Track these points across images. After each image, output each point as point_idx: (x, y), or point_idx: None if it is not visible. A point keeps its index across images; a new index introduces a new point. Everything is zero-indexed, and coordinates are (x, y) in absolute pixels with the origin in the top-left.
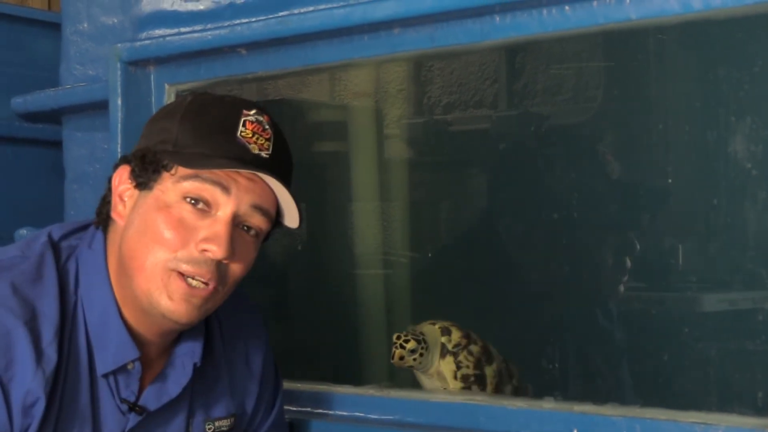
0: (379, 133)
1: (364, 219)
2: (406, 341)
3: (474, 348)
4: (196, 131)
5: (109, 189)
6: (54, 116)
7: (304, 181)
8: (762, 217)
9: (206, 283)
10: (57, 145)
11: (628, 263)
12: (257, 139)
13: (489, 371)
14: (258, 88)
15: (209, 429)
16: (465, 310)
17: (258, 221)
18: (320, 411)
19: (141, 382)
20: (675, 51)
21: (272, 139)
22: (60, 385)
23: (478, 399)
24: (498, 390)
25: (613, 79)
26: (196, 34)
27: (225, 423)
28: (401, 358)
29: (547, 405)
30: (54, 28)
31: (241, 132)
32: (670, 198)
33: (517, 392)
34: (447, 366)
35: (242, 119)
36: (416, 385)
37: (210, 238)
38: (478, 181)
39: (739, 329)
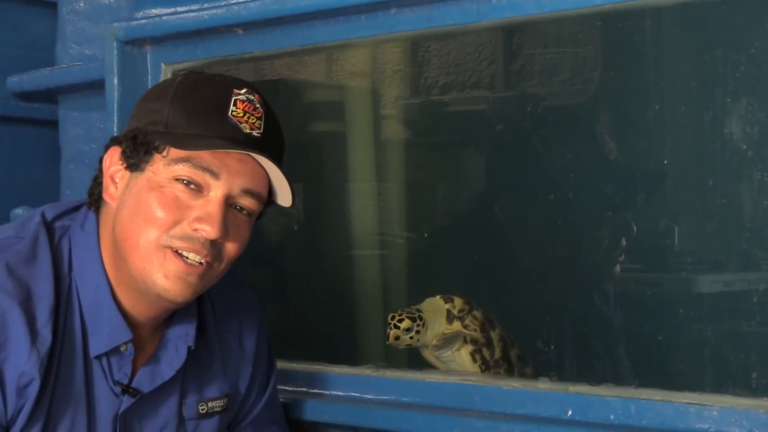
0: (375, 113)
1: (361, 199)
2: (400, 320)
3: (477, 313)
4: (188, 112)
5: (101, 170)
6: (50, 96)
7: (301, 161)
8: (758, 199)
9: (201, 262)
10: (53, 124)
11: (624, 244)
12: (248, 118)
13: (494, 336)
14: (255, 67)
15: (202, 410)
16: (461, 289)
17: (249, 203)
18: (316, 391)
19: (134, 364)
20: (672, 32)
21: (263, 118)
22: (54, 367)
23: (473, 380)
24: (506, 354)
25: (610, 61)
26: (192, 14)
27: (218, 403)
28: (396, 338)
29: (543, 386)
30: (50, 7)
31: (233, 111)
32: (666, 179)
33: (522, 360)
34: (456, 330)
35: (233, 98)
36: (413, 365)
37: (203, 218)
38: (475, 161)
39: (733, 310)
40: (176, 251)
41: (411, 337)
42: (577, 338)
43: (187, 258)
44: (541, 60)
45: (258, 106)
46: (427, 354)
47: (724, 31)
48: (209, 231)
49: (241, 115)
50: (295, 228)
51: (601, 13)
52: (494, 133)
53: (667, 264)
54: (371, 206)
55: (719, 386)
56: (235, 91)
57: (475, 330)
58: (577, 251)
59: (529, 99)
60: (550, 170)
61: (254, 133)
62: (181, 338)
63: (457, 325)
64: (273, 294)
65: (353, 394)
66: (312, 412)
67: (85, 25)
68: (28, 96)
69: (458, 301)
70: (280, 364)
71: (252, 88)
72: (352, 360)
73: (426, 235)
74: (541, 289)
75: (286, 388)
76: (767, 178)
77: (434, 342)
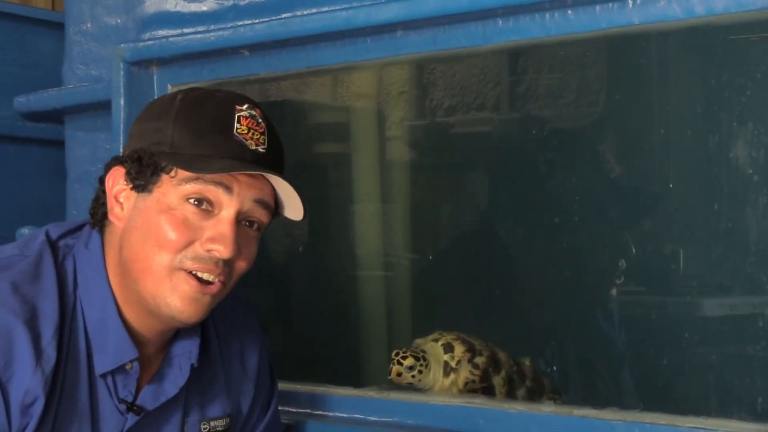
0: (381, 135)
1: (366, 221)
2: (404, 357)
3: (479, 360)
4: (192, 132)
5: (102, 190)
6: (56, 116)
7: (306, 182)
8: (762, 223)
9: (215, 281)
10: (59, 144)
11: (629, 267)
12: (253, 134)
13: (497, 380)
14: (261, 89)
15: (204, 429)
16: (466, 313)
17: (260, 215)
18: (319, 412)
19: (138, 382)
20: (677, 56)
21: (266, 133)
22: (59, 385)
23: (478, 402)
24: (510, 395)
25: (615, 84)
26: (199, 35)
27: (221, 423)
28: (399, 374)
29: (547, 408)
30: (57, 27)
31: (237, 129)
32: (670, 203)
33: (532, 392)
34: (452, 383)
35: (236, 115)
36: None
37: (216, 239)
38: (480, 183)
39: (739, 334)
40: (189, 272)
41: (413, 376)
42: (581, 361)
43: (202, 278)
44: (547, 82)
45: (260, 121)
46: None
47: (729, 55)
48: (222, 251)
49: (246, 132)
50: (300, 249)
51: (606, 36)
52: (499, 155)
53: (672, 287)
54: (376, 227)
55: (724, 411)
56: (237, 107)
57: (474, 381)
58: (581, 273)
59: (534, 121)
60: (554, 192)
61: (260, 149)
62: (185, 356)
63: (453, 378)
64: (276, 314)
65: (357, 415)
66: None
67: (92, 46)
68: (34, 116)
69: (458, 350)
70: (282, 385)
71: (252, 103)
72: (356, 382)
73: (430, 256)
74: (545, 311)
75: (289, 409)
76: None
77: (435, 388)
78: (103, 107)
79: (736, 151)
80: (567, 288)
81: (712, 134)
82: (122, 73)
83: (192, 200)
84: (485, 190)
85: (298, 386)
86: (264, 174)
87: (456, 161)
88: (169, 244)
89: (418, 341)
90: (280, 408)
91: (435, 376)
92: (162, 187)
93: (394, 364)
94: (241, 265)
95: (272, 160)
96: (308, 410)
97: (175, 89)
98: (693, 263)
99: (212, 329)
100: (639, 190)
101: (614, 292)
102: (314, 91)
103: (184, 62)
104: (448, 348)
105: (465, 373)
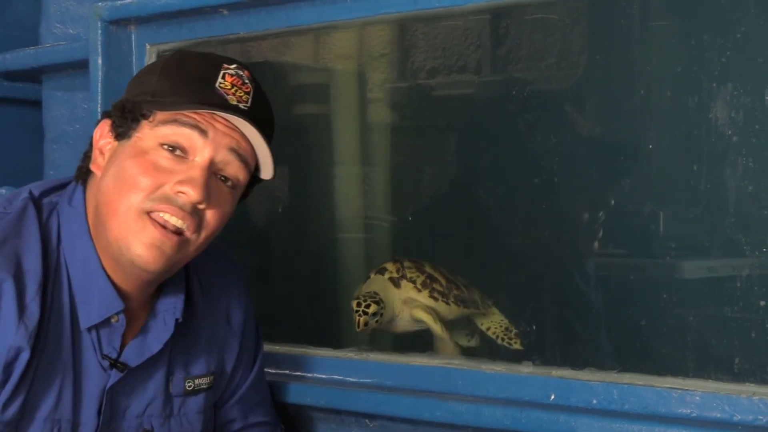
0: (361, 96)
1: (346, 182)
2: (367, 306)
3: (407, 263)
4: (175, 81)
5: (91, 144)
6: (34, 75)
7: (286, 144)
8: (742, 185)
9: (179, 232)
10: (37, 104)
11: (608, 229)
12: (236, 91)
13: (429, 269)
14: (240, 49)
15: (189, 387)
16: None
17: (235, 169)
18: (299, 373)
19: (122, 339)
20: (658, 16)
21: (252, 94)
22: (42, 341)
23: (456, 363)
24: (449, 280)
25: (597, 45)
26: None
27: (205, 380)
28: (366, 324)
29: (526, 369)
30: None
31: (220, 83)
32: (650, 164)
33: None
34: (407, 286)
35: (222, 72)
36: (396, 349)
37: (186, 181)
38: (461, 145)
39: (717, 296)
40: (154, 219)
41: (377, 321)
42: (561, 322)
43: (166, 223)
44: (528, 44)
45: (247, 81)
46: (395, 327)
47: (709, 16)
48: (192, 194)
49: (229, 87)
50: (280, 210)
51: None
52: (480, 117)
53: (652, 249)
54: (356, 189)
55: (702, 371)
56: (225, 65)
57: (419, 276)
58: (561, 234)
59: (515, 83)
60: (534, 153)
61: (241, 105)
62: (169, 311)
63: (406, 285)
64: (257, 276)
65: (336, 377)
66: (294, 394)
67: (70, 5)
68: (11, 75)
69: (390, 266)
70: (265, 347)
71: (242, 65)
72: (336, 343)
73: (411, 218)
74: (526, 272)
75: (271, 370)
76: (751, 163)
77: (402, 314)
78: (81, 66)
79: (716, 112)
80: (547, 248)
81: (692, 95)
82: (100, 32)
83: (166, 146)
84: (466, 151)
85: (278, 347)
86: (240, 128)
87: (437, 123)
88: (139, 186)
89: (360, 289)
90: None
91: (391, 303)
92: (140, 132)
93: (360, 315)
94: (212, 218)
95: (253, 117)
96: (288, 371)
97: (154, 48)
98: (672, 225)
99: (197, 286)
100: (619, 151)
101: (594, 253)
102: (294, 51)
103: (163, 21)
104: (383, 269)
105: (409, 274)
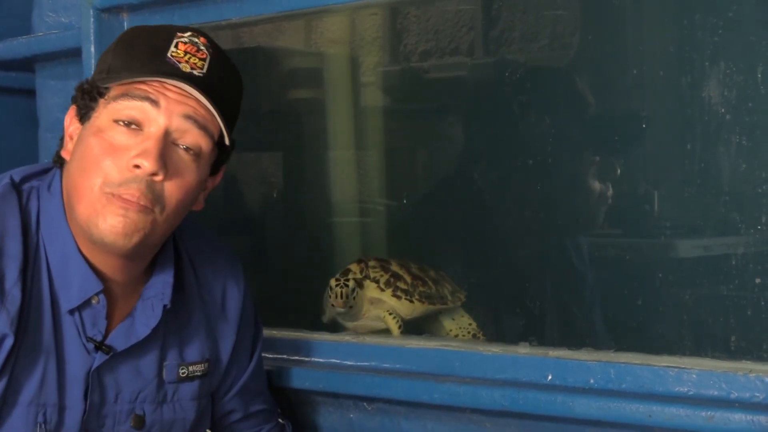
0: (354, 80)
1: (340, 167)
2: (347, 281)
3: (372, 263)
4: (127, 55)
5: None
6: (27, 64)
7: (280, 129)
8: (736, 163)
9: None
10: (30, 93)
11: (604, 208)
12: (189, 58)
13: (395, 267)
14: (233, 35)
15: (183, 373)
16: (441, 257)
17: (194, 137)
18: (296, 358)
19: (110, 323)
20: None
21: (209, 60)
22: (23, 325)
23: (453, 345)
24: (416, 276)
25: (589, 26)
26: None
27: (199, 368)
28: (346, 297)
29: (522, 350)
30: None
31: (172, 52)
32: (644, 144)
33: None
34: (370, 286)
35: (175, 41)
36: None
37: (140, 153)
38: (455, 128)
39: (712, 274)
40: (119, 197)
41: (354, 298)
42: (557, 303)
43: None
44: (521, 25)
45: (202, 48)
46: (363, 326)
47: None
48: (146, 165)
49: (182, 55)
50: (274, 195)
51: None
52: (474, 99)
53: (647, 228)
54: (351, 174)
55: (698, 349)
56: (178, 34)
57: (383, 275)
58: (557, 215)
59: (508, 64)
60: (529, 136)
61: (195, 72)
62: (158, 297)
63: (369, 285)
64: (251, 261)
65: (333, 360)
66: (292, 379)
67: None
68: (4, 64)
69: (354, 267)
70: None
71: (199, 32)
72: (332, 327)
73: (406, 202)
74: (522, 254)
75: (268, 355)
76: (745, 141)
77: (369, 314)
78: (74, 55)
79: (710, 92)
80: (542, 230)
81: (685, 75)
82: (92, 20)
83: (121, 122)
84: (459, 134)
85: (275, 332)
86: (193, 94)
87: (430, 106)
88: (97, 166)
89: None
90: None
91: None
92: (97, 111)
93: (341, 287)
94: (172, 189)
95: (207, 86)
96: (284, 356)
97: None
98: (667, 204)
99: (190, 273)
100: (613, 131)
101: (590, 233)
102: (287, 36)
103: (155, 8)
104: (347, 271)
105: (373, 274)
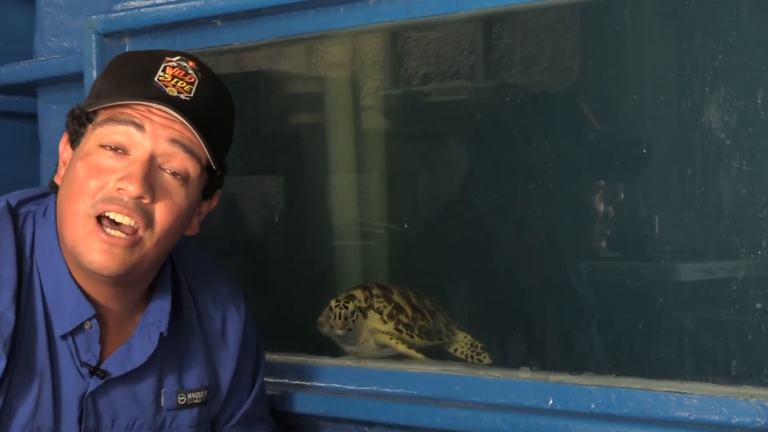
0: (355, 104)
1: (341, 190)
2: (347, 301)
3: (376, 291)
4: (115, 80)
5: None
6: (29, 88)
7: (281, 153)
8: (736, 188)
9: (131, 225)
10: (32, 117)
11: (605, 233)
12: (176, 82)
13: (396, 297)
14: (234, 59)
15: (181, 401)
16: (442, 280)
17: (181, 161)
18: (297, 383)
19: (106, 347)
20: (651, 21)
21: (196, 84)
22: (17, 347)
23: (454, 369)
24: (415, 308)
25: (590, 50)
26: (171, 6)
27: (198, 395)
28: (345, 319)
29: (524, 375)
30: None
31: (160, 76)
32: (645, 168)
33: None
34: (373, 317)
35: (163, 65)
36: (395, 356)
37: (124, 177)
38: (456, 151)
39: (713, 298)
40: (102, 221)
41: (354, 321)
42: (558, 327)
43: (114, 227)
44: (521, 49)
45: (191, 72)
46: (360, 353)
47: (702, 20)
48: (130, 189)
49: (169, 79)
50: (276, 219)
51: (580, 2)
52: (474, 123)
53: (648, 252)
54: (351, 197)
55: (699, 374)
56: (167, 58)
57: (386, 306)
58: (557, 240)
59: (509, 88)
60: (529, 160)
61: (182, 96)
62: (155, 324)
63: (373, 316)
64: (252, 284)
65: (335, 385)
66: (293, 404)
67: (64, 18)
68: (6, 89)
69: (359, 294)
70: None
71: (188, 56)
72: (334, 351)
73: (407, 225)
74: (523, 278)
75: (269, 379)
76: (745, 167)
77: (368, 343)
78: (76, 79)
79: (710, 116)
80: (543, 253)
81: (686, 99)
82: (94, 44)
83: (107, 147)
84: (461, 158)
85: (276, 356)
86: (180, 117)
87: (431, 130)
88: (83, 191)
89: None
90: None
91: (360, 326)
92: (86, 137)
93: (340, 308)
94: (162, 213)
95: (193, 110)
96: (286, 380)
97: None
98: (668, 228)
99: (190, 302)
100: (613, 155)
101: (590, 257)
102: (288, 61)
103: (157, 33)
104: (351, 298)
105: (377, 304)
